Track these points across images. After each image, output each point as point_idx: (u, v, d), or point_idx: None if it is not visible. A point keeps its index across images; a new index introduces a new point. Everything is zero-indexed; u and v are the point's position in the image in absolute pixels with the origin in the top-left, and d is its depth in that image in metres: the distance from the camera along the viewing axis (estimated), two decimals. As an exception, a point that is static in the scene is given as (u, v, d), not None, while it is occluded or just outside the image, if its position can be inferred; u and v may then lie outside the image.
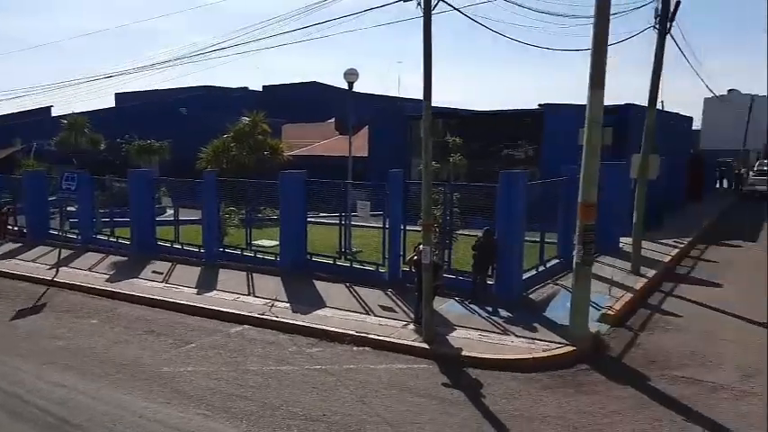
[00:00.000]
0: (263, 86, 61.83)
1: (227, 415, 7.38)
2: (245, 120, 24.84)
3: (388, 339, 9.78)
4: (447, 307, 11.38)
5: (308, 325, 10.55)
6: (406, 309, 11.33)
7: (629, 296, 12.20)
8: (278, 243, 15.04)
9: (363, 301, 11.99)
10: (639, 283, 13.33)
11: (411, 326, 10.41)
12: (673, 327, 10.72)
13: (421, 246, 9.90)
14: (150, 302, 12.39)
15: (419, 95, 9.54)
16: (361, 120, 33.31)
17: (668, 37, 14.16)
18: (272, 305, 11.79)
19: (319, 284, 13.21)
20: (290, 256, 14.49)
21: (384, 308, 11.51)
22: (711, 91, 26.32)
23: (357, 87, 17.48)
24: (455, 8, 9.34)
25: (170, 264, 15.60)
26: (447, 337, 9.83)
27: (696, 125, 51.64)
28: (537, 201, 13.92)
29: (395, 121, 30.03)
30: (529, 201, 12.32)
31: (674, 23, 13.99)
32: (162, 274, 14.64)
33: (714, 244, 19.54)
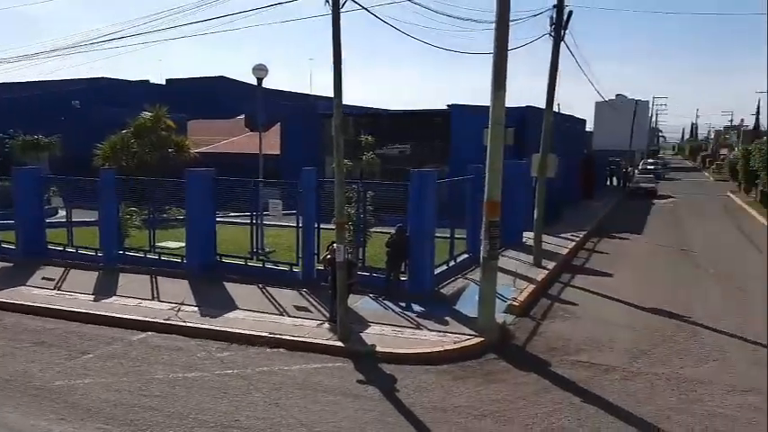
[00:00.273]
0: (167, 80, 58.76)
1: (131, 427, 6.94)
2: (147, 114, 23.44)
3: (302, 339, 9.66)
4: (362, 304, 11.45)
5: (218, 329, 10.17)
6: (320, 308, 11.26)
7: (531, 287, 12.93)
8: (184, 244, 14.36)
9: (277, 301, 11.76)
10: (541, 275, 14.17)
11: (326, 325, 10.36)
12: (571, 315, 11.50)
13: (335, 244, 9.88)
14: (40, 311, 11.34)
15: (331, 93, 9.50)
16: (272, 117, 32.59)
17: (564, 44, 15.17)
18: (179, 309, 11.24)
19: (230, 286, 12.78)
20: (198, 258, 13.90)
21: (298, 308, 11.36)
22: (601, 95, 28.59)
23: (269, 84, 17.11)
24: (363, 7, 9.39)
25: (63, 269, 14.41)
26: (362, 334, 9.88)
27: (589, 127, 55.63)
28: (447, 198, 14.38)
29: (307, 119, 29.69)
30: (439, 198, 12.69)
31: (567, 31, 15.01)
32: (53, 280, 13.47)
33: (606, 237, 21.23)
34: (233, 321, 10.56)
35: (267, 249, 15.45)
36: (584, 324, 10.88)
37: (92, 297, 12.21)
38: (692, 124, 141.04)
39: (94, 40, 14.51)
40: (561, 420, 7.11)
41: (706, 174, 68.98)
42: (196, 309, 11.33)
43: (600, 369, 8.70)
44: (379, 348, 9.25)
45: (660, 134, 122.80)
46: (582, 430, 6.87)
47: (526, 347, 9.72)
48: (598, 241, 20.43)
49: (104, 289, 12.75)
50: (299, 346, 9.48)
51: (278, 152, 30.28)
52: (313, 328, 10.26)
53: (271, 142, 30.27)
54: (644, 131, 76.15)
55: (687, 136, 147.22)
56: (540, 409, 7.41)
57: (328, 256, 10.44)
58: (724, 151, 77.38)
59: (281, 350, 9.39)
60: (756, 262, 17.06)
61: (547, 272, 14.62)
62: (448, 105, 26.38)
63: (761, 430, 6.84)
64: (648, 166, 55.17)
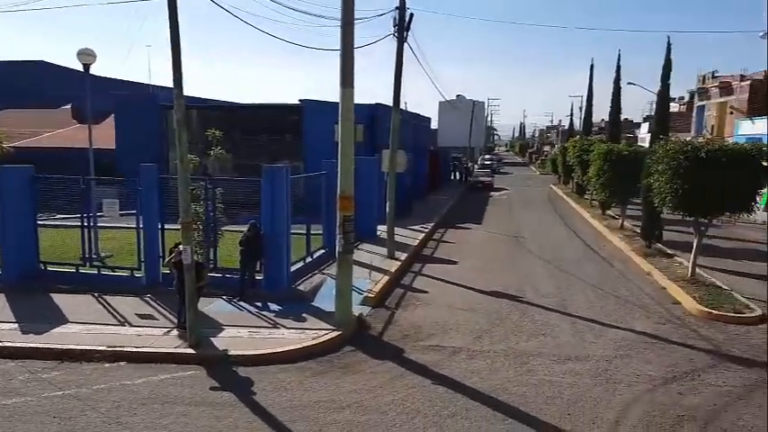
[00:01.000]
0: (-31, 63, 50.23)
1: (-71, 474, 5.84)
2: (-57, 101, 19.83)
3: (147, 350, 8.93)
4: (214, 307, 10.92)
5: (44, 346, 8.97)
6: (168, 314, 10.51)
7: (386, 278, 13.41)
8: (-2, 253, 12.43)
9: (116, 311, 10.73)
10: (394, 266, 14.76)
11: (174, 332, 9.70)
12: (422, 302, 12.14)
13: (181, 245, 9.27)
14: None
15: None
16: (105, 108, 29.61)
17: (408, 46, 15.89)
18: (-7, 328, 9.70)
19: (59, 297, 11.37)
20: (16, 268, 12.17)
21: (142, 316, 10.49)
22: (443, 95, 30.61)
23: (100, 71, 15.46)
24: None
25: None
26: (215, 338, 9.42)
27: (434, 125, 59.16)
28: (302, 194, 14.30)
29: (147, 111, 27.46)
30: (294, 194, 12.55)
31: (409, 33, 15.73)
32: None
33: (451, 227, 22.80)
34: (63, 336, 9.40)
35: (103, 254, 14.03)
36: (435, 310, 11.56)
37: None
38: (521, 124, 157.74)
39: None
40: (415, 403, 7.48)
41: (533, 168, 77.47)
42: (15, 325, 9.89)
43: (448, 351, 9.32)
44: (234, 352, 8.89)
45: (495, 132, 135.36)
46: (433, 410, 7.30)
47: (382, 337, 10.05)
48: (444, 232, 21.85)
49: None
50: (143, 357, 8.75)
51: (114, 146, 27.61)
52: (159, 336, 9.54)
53: (105, 135, 27.48)
54: (481, 129, 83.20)
55: (517, 134, 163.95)
56: (396, 394, 7.72)
57: (174, 259, 9.78)
58: (547, 148, 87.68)
59: (123, 363, 8.59)
60: (573, 246, 19.59)
61: (400, 263, 15.26)
62: (300, 100, 26.20)
63: (580, 391, 7.86)
64: (486, 162, 60.29)
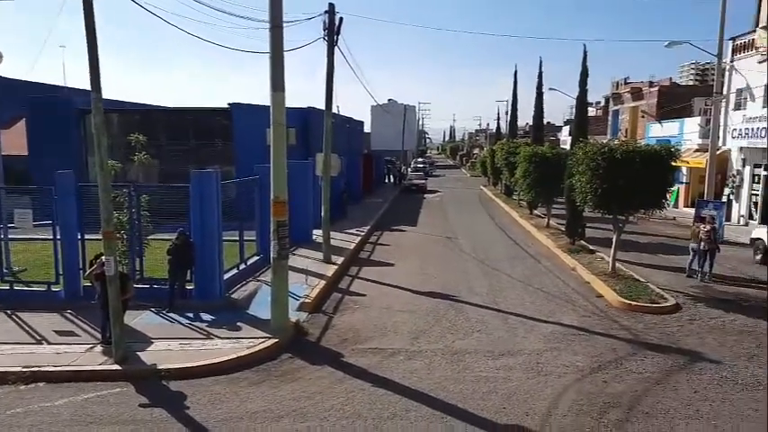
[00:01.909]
0: None
1: None
2: None
3: (68, 368, 8.37)
4: (142, 320, 10.42)
5: (-52, 371, 8.21)
6: (91, 329, 9.92)
7: (323, 283, 13.31)
8: None
9: (32, 328, 10.01)
10: (331, 271, 14.68)
11: (98, 348, 9.16)
12: (359, 305, 12.14)
13: (103, 257, 8.77)
14: None
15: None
16: (15, 112, 27.55)
17: (339, 50, 15.87)
18: None
19: (-36, 317, 10.44)
20: None
21: (61, 333, 9.83)
22: (374, 99, 30.78)
23: (16, 75, 14.37)
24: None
25: None
26: (143, 352, 8.98)
27: (367, 129, 59.46)
28: (234, 199, 13.92)
29: (62, 115, 25.79)
30: (225, 199, 12.19)
31: (339, 37, 15.73)
32: None
33: (386, 230, 22.97)
34: (-30, 360, 8.63)
35: (16, 268, 13.03)
36: (372, 313, 11.58)
37: None
38: (451, 127, 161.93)
39: None
40: (355, 407, 7.45)
41: (464, 170, 79.51)
42: None
43: (387, 353, 9.36)
44: (164, 365, 8.50)
45: (426, 136, 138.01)
46: (374, 412, 7.30)
47: (320, 342, 9.95)
48: (380, 234, 21.97)
49: None
50: (64, 376, 8.20)
51: (26, 153, 25.74)
52: (82, 353, 8.97)
53: (15, 141, 25.66)
54: (413, 133, 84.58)
55: (448, 137, 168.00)
56: (336, 399, 7.66)
57: (96, 271, 9.24)
58: (476, 151, 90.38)
59: (41, 384, 8.01)
60: (504, 245, 20.26)
61: (336, 267, 15.19)
62: (229, 104, 25.51)
63: (514, 385, 8.13)
64: (419, 165, 61.28)
